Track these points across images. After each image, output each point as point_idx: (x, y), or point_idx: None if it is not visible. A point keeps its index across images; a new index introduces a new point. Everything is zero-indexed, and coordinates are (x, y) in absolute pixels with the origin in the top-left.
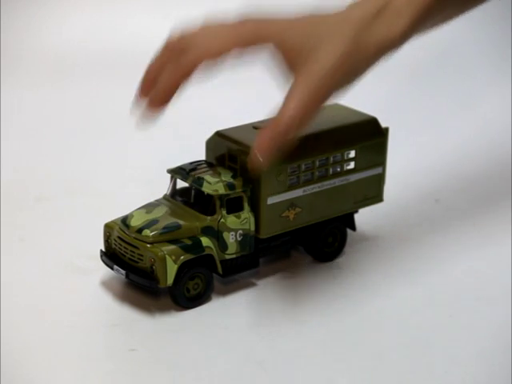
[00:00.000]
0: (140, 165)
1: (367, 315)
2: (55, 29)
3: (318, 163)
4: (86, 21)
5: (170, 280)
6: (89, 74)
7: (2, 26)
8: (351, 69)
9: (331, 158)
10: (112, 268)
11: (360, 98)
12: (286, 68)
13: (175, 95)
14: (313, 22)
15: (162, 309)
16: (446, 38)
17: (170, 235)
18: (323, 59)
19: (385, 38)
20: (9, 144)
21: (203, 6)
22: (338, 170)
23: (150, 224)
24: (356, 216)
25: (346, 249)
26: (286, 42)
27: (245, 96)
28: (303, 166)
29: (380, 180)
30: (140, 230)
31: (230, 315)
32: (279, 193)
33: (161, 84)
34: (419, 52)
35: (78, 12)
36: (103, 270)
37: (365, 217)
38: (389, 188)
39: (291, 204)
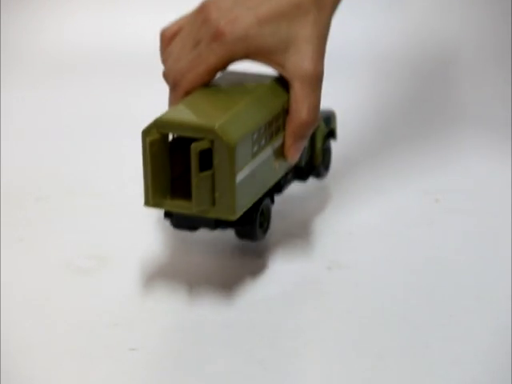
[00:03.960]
0: (140, 165)
1: (367, 315)
2: (55, 29)
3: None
4: (86, 21)
5: None
6: (89, 74)
7: (1, 26)
8: (326, 31)
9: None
10: None
11: (360, 97)
12: (267, 64)
13: None
14: (271, 16)
15: (163, 309)
16: (446, 38)
17: None
18: (304, 47)
19: None
20: (9, 144)
21: None
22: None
23: None
24: (356, 216)
25: (346, 248)
26: (259, 48)
27: None
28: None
29: None
30: None
31: (230, 314)
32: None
33: None
34: (419, 52)
35: (78, 12)
36: (103, 270)
37: (364, 217)
38: (389, 188)
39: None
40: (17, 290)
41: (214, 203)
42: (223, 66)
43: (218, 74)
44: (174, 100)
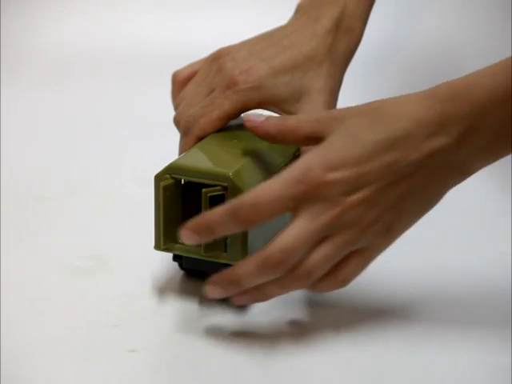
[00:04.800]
0: (140, 165)
1: (367, 315)
2: (55, 29)
3: None
4: (86, 21)
5: None
6: (89, 74)
7: (1, 26)
8: (338, 84)
9: None
10: None
11: (360, 98)
12: (280, 114)
13: None
14: (285, 67)
15: (163, 309)
16: (445, 38)
17: None
18: (316, 99)
19: (349, 44)
20: (9, 144)
21: (202, 5)
22: None
23: None
24: None
25: None
26: (271, 99)
27: None
28: None
29: None
30: None
31: (230, 315)
32: None
33: None
34: (420, 52)
35: (78, 12)
36: (103, 271)
37: None
38: None
39: None
40: (17, 290)
41: (225, 249)
42: (236, 113)
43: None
44: (185, 145)
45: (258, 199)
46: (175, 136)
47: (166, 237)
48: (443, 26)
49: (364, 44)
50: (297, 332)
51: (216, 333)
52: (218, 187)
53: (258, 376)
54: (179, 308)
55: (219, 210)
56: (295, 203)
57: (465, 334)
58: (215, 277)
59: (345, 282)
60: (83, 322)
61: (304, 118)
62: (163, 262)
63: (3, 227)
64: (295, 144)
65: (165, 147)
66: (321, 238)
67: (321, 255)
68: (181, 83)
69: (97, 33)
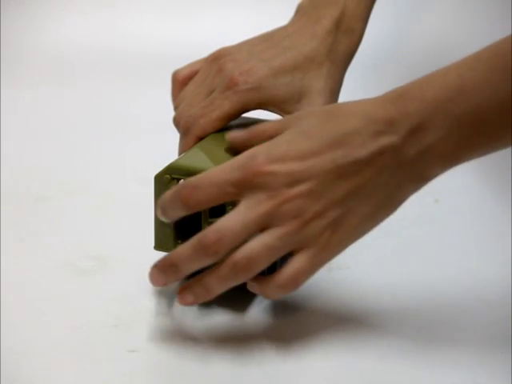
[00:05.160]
0: (140, 165)
1: (367, 316)
2: (55, 29)
3: None
4: (87, 21)
5: None
6: (89, 74)
7: (2, 26)
8: (338, 85)
9: None
10: None
11: (360, 97)
12: (280, 114)
13: None
14: (286, 68)
15: (163, 309)
16: (445, 38)
17: None
18: (316, 100)
19: (349, 44)
20: (9, 144)
21: (202, 5)
22: None
23: None
24: None
25: (345, 250)
26: (271, 100)
27: None
28: None
29: None
30: None
31: (230, 316)
32: None
33: None
34: (419, 52)
35: (78, 12)
36: (103, 271)
37: None
38: None
39: None
40: (17, 290)
41: None
42: (236, 114)
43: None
44: (184, 145)
45: (199, 181)
46: (175, 136)
47: (166, 237)
48: (443, 26)
49: (364, 44)
50: (296, 332)
51: (215, 333)
52: None
53: (258, 376)
54: (179, 308)
55: (168, 191)
56: (236, 190)
57: (465, 335)
58: (156, 262)
59: (292, 281)
60: (83, 322)
61: (274, 120)
62: None
63: (3, 227)
64: None
65: (165, 147)
66: (260, 227)
67: (258, 243)
68: (181, 83)
69: (97, 33)
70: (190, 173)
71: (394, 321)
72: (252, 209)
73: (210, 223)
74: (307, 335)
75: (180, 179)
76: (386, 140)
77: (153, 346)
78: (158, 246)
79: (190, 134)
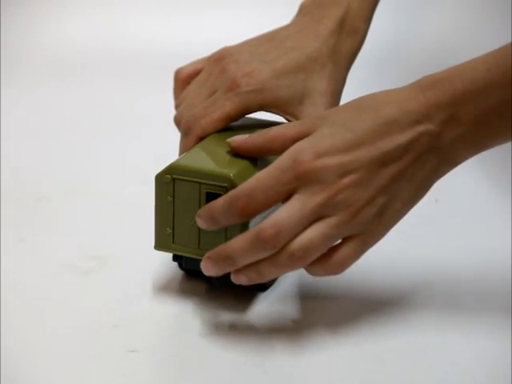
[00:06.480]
0: (140, 165)
1: (367, 315)
2: (55, 29)
3: None
4: (86, 21)
5: None
6: (89, 74)
7: (2, 26)
8: (341, 86)
9: None
10: None
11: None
12: (282, 115)
13: None
14: (288, 70)
15: (163, 310)
16: (446, 39)
17: None
18: (319, 101)
19: (353, 45)
20: (9, 144)
21: (202, 5)
22: None
23: None
24: None
25: None
26: (274, 101)
27: None
28: None
29: None
30: None
31: (230, 316)
32: None
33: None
34: (420, 52)
35: (78, 12)
36: (103, 271)
37: None
38: None
39: None
40: (17, 290)
41: None
42: (237, 115)
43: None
44: (185, 145)
45: (251, 191)
46: (175, 136)
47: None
48: (445, 27)
49: (366, 45)
50: (296, 332)
51: (215, 333)
52: (218, 187)
53: (258, 376)
54: (179, 308)
55: (218, 202)
56: (288, 189)
57: (465, 335)
58: (210, 253)
59: (340, 266)
60: (83, 322)
61: (286, 124)
62: (163, 262)
63: (3, 227)
64: (283, 150)
65: (165, 147)
66: (314, 218)
67: (314, 233)
68: (183, 81)
69: (97, 33)
70: (190, 173)
71: (393, 320)
72: (307, 201)
73: None
74: (307, 335)
75: (180, 179)
76: (422, 128)
77: (153, 346)
78: (158, 245)
79: (191, 133)
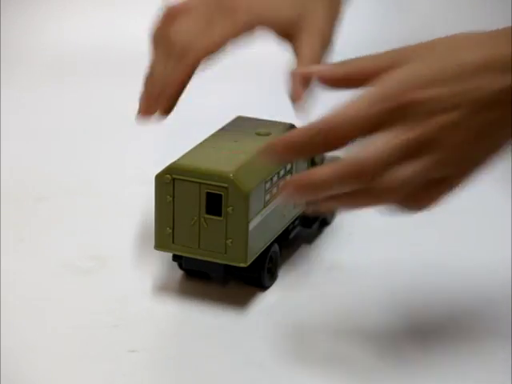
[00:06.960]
0: (140, 165)
1: (367, 317)
2: (55, 29)
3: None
4: (86, 21)
5: None
6: (88, 74)
7: (2, 26)
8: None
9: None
10: None
11: None
12: (281, 39)
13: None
14: None
15: (162, 310)
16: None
17: None
18: (316, 21)
19: None
20: (9, 144)
21: None
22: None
23: None
24: (356, 216)
25: (346, 248)
26: (274, 21)
27: (245, 94)
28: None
29: None
30: None
31: (230, 317)
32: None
33: (167, 88)
34: None
35: (78, 12)
36: (103, 271)
37: (364, 217)
38: None
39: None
40: (17, 290)
41: (225, 250)
42: (236, 34)
43: (229, 106)
44: (181, 71)
45: (337, 123)
46: (175, 136)
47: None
48: (444, 27)
49: (363, 44)
50: (296, 332)
51: (215, 333)
52: (217, 187)
53: (258, 376)
54: (179, 308)
55: (301, 131)
56: (380, 120)
57: (465, 334)
58: (292, 178)
59: (428, 205)
60: (83, 322)
61: (366, 57)
62: (163, 262)
63: (3, 227)
64: (367, 84)
65: (165, 147)
66: (407, 154)
67: (412, 169)
68: (172, 16)
69: (97, 32)
70: (190, 173)
71: (393, 320)
72: (405, 135)
73: (206, 219)
74: (307, 335)
75: (180, 179)
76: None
77: (153, 346)
78: (158, 245)
79: (188, 55)
